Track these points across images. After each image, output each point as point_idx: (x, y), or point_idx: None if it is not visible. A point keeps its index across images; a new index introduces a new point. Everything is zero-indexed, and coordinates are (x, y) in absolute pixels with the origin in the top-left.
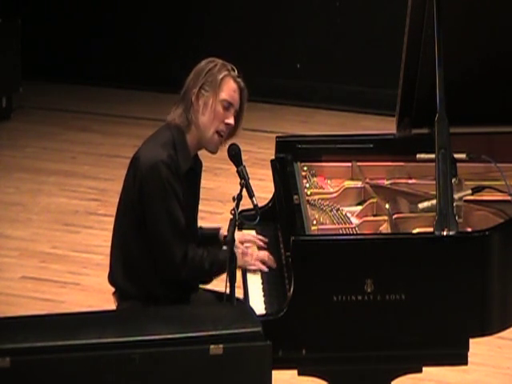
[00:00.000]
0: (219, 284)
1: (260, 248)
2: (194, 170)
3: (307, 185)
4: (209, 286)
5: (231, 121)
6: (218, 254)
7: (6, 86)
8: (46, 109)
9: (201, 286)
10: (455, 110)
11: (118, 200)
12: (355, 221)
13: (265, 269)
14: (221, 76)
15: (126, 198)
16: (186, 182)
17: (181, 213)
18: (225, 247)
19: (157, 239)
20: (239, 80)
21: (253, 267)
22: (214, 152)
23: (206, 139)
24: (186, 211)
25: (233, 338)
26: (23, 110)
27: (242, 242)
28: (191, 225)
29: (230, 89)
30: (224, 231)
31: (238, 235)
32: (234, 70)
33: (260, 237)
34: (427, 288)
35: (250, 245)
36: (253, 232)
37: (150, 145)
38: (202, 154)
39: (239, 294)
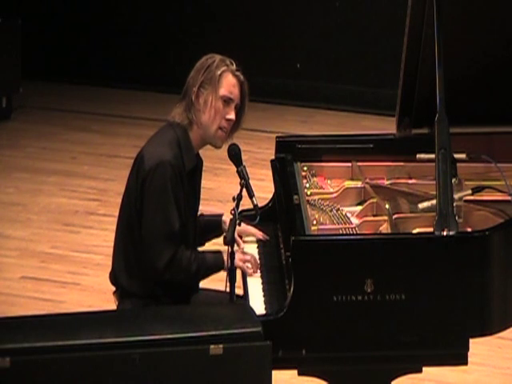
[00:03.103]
0: (219, 284)
1: (260, 242)
2: (197, 169)
3: (307, 185)
4: (208, 286)
5: (232, 116)
6: (206, 257)
7: (6, 85)
8: (46, 109)
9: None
10: (455, 110)
11: (118, 200)
12: (355, 221)
13: (248, 271)
14: (219, 72)
15: (129, 195)
16: (189, 180)
17: (177, 217)
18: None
19: (148, 238)
20: (238, 74)
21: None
22: (219, 147)
23: (211, 136)
24: (186, 210)
25: (233, 338)
26: (23, 110)
27: (241, 236)
28: (189, 224)
29: (229, 84)
30: (226, 217)
31: (240, 229)
32: (232, 64)
33: (261, 233)
34: (427, 288)
35: (242, 246)
36: None
37: (155, 143)
38: (202, 154)
39: (239, 294)
